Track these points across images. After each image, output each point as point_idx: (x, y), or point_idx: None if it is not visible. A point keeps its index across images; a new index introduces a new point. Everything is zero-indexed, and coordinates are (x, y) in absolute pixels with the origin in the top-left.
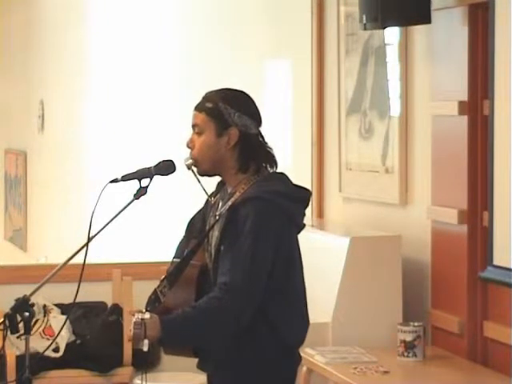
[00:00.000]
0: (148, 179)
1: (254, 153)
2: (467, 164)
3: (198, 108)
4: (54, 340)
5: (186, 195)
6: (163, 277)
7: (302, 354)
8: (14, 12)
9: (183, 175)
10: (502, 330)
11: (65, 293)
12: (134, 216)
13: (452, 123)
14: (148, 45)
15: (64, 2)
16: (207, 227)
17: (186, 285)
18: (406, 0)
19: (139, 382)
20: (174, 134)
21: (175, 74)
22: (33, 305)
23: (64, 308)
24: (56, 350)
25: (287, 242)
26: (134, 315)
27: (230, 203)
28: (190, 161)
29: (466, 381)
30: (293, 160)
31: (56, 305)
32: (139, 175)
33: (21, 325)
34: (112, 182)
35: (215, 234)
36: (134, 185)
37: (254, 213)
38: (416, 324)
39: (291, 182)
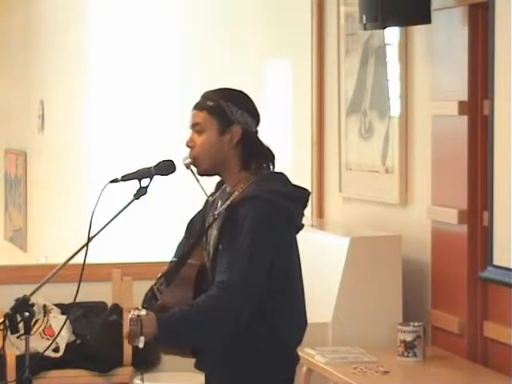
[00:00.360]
0: (148, 179)
1: (255, 151)
2: (467, 164)
3: (199, 107)
4: (54, 340)
5: (186, 195)
6: (160, 274)
7: (301, 354)
8: (14, 12)
9: (183, 175)
10: (502, 329)
11: (65, 293)
12: (134, 216)
13: (452, 123)
14: (148, 45)
15: (64, 2)
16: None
17: (184, 284)
18: (405, 0)
19: (139, 382)
20: (174, 133)
21: (175, 74)
22: (33, 305)
23: (64, 308)
24: (56, 350)
25: (286, 241)
26: (129, 312)
27: (228, 202)
28: (189, 160)
29: (466, 381)
30: (293, 160)
31: (56, 305)
32: (139, 175)
33: (21, 325)
34: (112, 182)
35: (214, 233)
36: (134, 185)
37: (252, 212)
38: (416, 324)
39: (290, 182)
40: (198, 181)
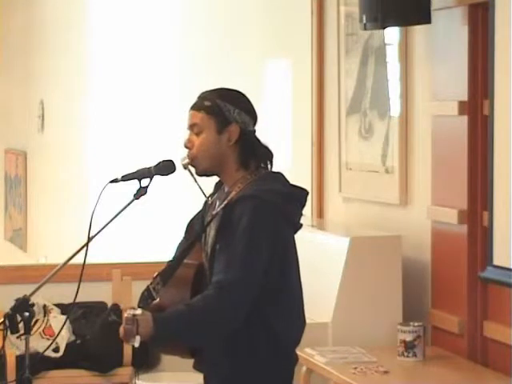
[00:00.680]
0: (148, 179)
1: (254, 150)
2: (467, 164)
3: (196, 107)
4: (54, 340)
5: (186, 195)
6: (156, 274)
7: (301, 354)
8: (14, 12)
9: (183, 175)
10: (502, 329)
11: (65, 293)
12: (134, 216)
13: (452, 123)
14: (148, 45)
15: (64, 2)
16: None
17: (182, 284)
18: (406, 0)
19: (139, 382)
20: (174, 133)
21: (175, 74)
22: (33, 305)
23: (64, 308)
24: (56, 350)
25: (283, 241)
26: (125, 311)
27: (226, 202)
28: (187, 160)
29: (466, 381)
30: (293, 160)
31: (56, 305)
32: (139, 175)
33: (21, 325)
34: (112, 182)
35: (211, 232)
36: (134, 185)
37: (249, 211)
38: (416, 324)
39: (288, 182)
40: (195, 181)
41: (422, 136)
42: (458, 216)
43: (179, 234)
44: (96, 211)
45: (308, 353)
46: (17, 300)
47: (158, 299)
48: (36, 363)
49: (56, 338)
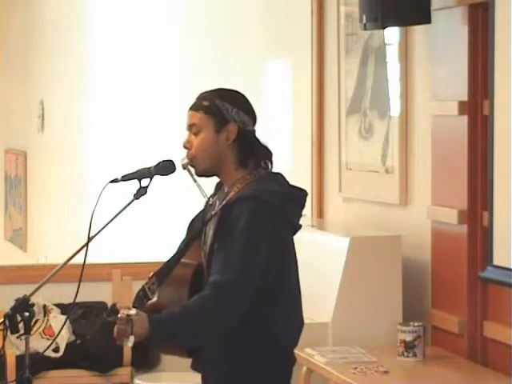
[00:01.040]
0: (148, 179)
1: (253, 149)
2: (467, 164)
3: (194, 108)
4: (54, 340)
5: (186, 195)
6: (152, 274)
7: (301, 354)
8: (14, 12)
9: (183, 175)
10: (502, 329)
11: (65, 293)
12: (134, 216)
13: (452, 123)
14: (148, 45)
15: (64, 2)
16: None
17: (180, 283)
18: (406, 0)
19: (139, 381)
20: (174, 134)
21: (175, 74)
22: (33, 305)
23: (64, 308)
24: (56, 350)
25: (281, 242)
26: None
27: (224, 202)
28: (186, 160)
29: (466, 381)
30: (293, 160)
31: (56, 305)
32: (139, 175)
33: (21, 325)
34: (112, 182)
35: (210, 232)
36: (134, 185)
37: (247, 212)
38: (416, 324)
39: (288, 182)
40: (195, 181)
41: (422, 136)
42: (458, 216)
43: (179, 234)
44: (96, 211)
45: (308, 353)
46: (17, 300)
47: (153, 299)
48: (36, 363)
49: (56, 337)
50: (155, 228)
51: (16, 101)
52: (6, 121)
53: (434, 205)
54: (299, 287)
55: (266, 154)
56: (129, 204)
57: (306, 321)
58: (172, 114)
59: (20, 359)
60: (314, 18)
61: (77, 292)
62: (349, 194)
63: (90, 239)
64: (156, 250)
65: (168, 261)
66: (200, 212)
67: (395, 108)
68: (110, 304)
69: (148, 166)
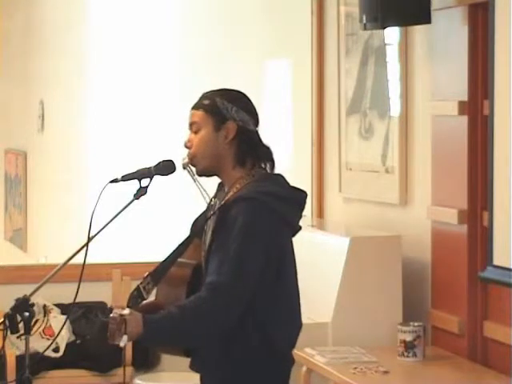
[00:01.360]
0: (148, 179)
1: (251, 148)
2: (467, 164)
3: (196, 106)
4: (54, 340)
5: (187, 195)
6: (147, 273)
7: (302, 354)
8: (14, 12)
9: (183, 175)
10: (502, 329)
11: (65, 293)
12: (134, 216)
13: (452, 123)
14: (148, 45)
15: (64, 2)
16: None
17: (178, 283)
18: (406, 0)
19: (139, 381)
20: (174, 133)
21: (175, 74)
22: (33, 305)
23: (64, 308)
24: (56, 350)
25: (279, 243)
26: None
27: (222, 203)
28: (186, 160)
29: (466, 381)
30: (293, 160)
31: (56, 305)
32: (139, 175)
33: (21, 325)
34: (112, 182)
35: (208, 233)
36: (134, 185)
37: (243, 213)
38: (416, 324)
39: (288, 184)
40: (194, 181)
41: (422, 136)
42: (458, 216)
43: (179, 234)
44: (96, 211)
45: (308, 353)
46: (17, 300)
47: (148, 299)
48: (36, 363)
49: (56, 337)
50: (155, 228)
51: (16, 101)
52: (5, 121)
53: (434, 205)
54: (297, 288)
55: (266, 154)
56: (129, 204)
57: (306, 321)
58: (172, 113)
59: (20, 359)
60: (314, 18)
61: (77, 292)
62: (349, 194)
63: (89, 239)
64: (156, 250)
65: (164, 260)
66: (203, 212)
67: (395, 108)
68: (109, 304)
69: (148, 166)
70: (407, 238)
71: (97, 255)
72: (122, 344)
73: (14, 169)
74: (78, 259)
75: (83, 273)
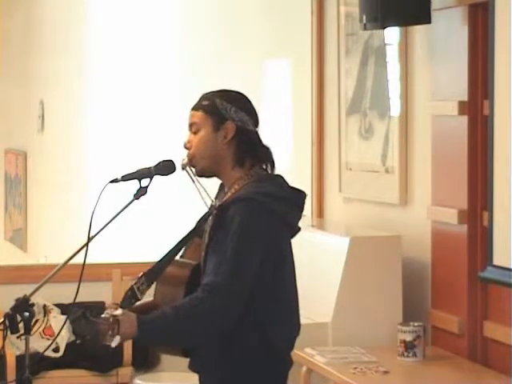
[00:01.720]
0: (148, 179)
1: (250, 148)
2: (467, 164)
3: (195, 107)
4: (54, 340)
5: (187, 195)
6: (141, 273)
7: (301, 354)
8: (14, 12)
9: (184, 175)
10: (502, 329)
11: (65, 293)
12: (134, 216)
13: (452, 123)
14: (148, 45)
15: (64, 2)
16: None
17: (177, 283)
18: (406, 0)
19: (139, 381)
20: (174, 134)
21: (175, 74)
22: (33, 305)
23: (64, 308)
24: (56, 350)
25: (276, 244)
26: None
27: (220, 203)
28: (185, 160)
29: (466, 381)
30: (293, 160)
31: (56, 305)
32: (139, 175)
33: (21, 325)
34: (112, 182)
35: (207, 233)
36: (134, 185)
37: (240, 214)
38: (416, 324)
39: (287, 185)
40: (193, 182)
41: (422, 136)
42: (458, 216)
43: (179, 234)
44: (96, 211)
45: (308, 353)
46: (17, 300)
47: (142, 299)
48: (36, 363)
49: (56, 337)
50: (155, 228)
51: (16, 101)
52: (5, 121)
53: (434, 205)
54: (296, 289)
55: (266, 154)
56: (129, 204)
57: (306, 321)
58: (172, 114)
59: (20, 359)
60: (314, 18)
61: (77, 292)
62: (349, 194)
63: (89, 239)
64: (156, 251)
65: (159, 261)
66: (205, 212)
67: (395, 108)
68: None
69: (148, 166)
70: (407, 238)
71: (97, 255)
72: (113, 345)
73: (14, 169)
74: (78, 259)
75: (83, 273)
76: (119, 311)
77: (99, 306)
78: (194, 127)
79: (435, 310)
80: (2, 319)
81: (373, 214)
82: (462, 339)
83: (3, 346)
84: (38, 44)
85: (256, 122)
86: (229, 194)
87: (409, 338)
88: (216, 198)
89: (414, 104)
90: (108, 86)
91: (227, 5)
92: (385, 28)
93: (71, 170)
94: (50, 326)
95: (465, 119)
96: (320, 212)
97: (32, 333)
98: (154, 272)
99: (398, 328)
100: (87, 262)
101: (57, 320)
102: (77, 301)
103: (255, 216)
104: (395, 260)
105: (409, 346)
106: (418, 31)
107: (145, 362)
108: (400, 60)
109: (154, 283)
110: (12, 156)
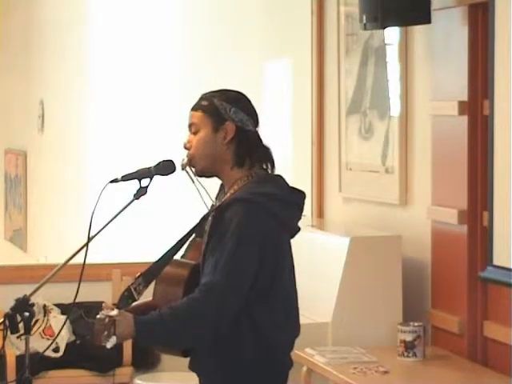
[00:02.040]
0: (148, 179)
1: (250, 149)
2: (467, 164)
3: (195, 108)
4: (54, 340)
5: (187, 195)
6: (138, 274)
7: (301, 354)
8: (14, 12)
9: (184, 175)
10: (502, 329)
11: (65, 293)
12: (134, 216)
13: (452, 123)
14: (148, 45)
15: (64, 2)
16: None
17: (176, 283)
18: (405, 0)
19: (139, 381)
20: (174, 134)
21: (175, 74)
22: (33, 305)
23: (64, 308)
24: (56, 350)
25: (275, 244)
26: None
27: (219, 204)
28: (185, 161)
29: (466, 381)
30: (293, 160)
31: (56, 305)
32: (139, 175)
33: (21, 325)
34: (112, 182)
35: (206, 234)
36: (134, 185)
37: (238, 214)
38: (416, 324)
39: (287, 185)
40: (193, 182)
41: (422, 136)
42: (458, 216)
43: (179, 234)
44: (96, 211)
45: (308, 353)
46: (17, 300)
47: (138, 300)
48: (36, 363)
49: (56, 337)
50: (155, 228)
51: (16, 101)
52: (5, 121)
53: (434, 205)
54: (295, 290)
55: (266, 155)
56: (129, 204)
57: (306, 321)
58: (172, 114)
59: (20, 359)
60: (314, 18)
61: (77, 292)
62: (349, 194)
63: (89, 239)
64: (156, 251)
65: (157, 261)
66: (206, 213)
67: (395, 108)
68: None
69: (148, 166)
70: (407, 238)
71: (97, 255)
72: (109, 346)
73: (14, 169)
74: (78, 259)
75: (83, 273)
76: (115, 312)
77: (99, 306)
78: (193, 127)
79: (435, 309)
80: (2, 319)
81: (373, 214)
82: (461, 339)
83: (3, 346)
84: (38, 44)
85: (256, 122)
86: (228, 194)
87: (409, 337)
88: (216, 198)
89: (413, 104)
90: (108, 85)
91: (227, 5)
92: (385, 28)
93: (71, 169)
94: (50, 325)
95: (465, 119)
96: (320, 212)
97: (32, 333)
98: (152, 272)
99: (398, 328)
100: (87, 262)
101: (57, 320)
102: (77, 301)
103: (253, 216)
104: (395, 260)
105: (409, 346)
106: (418, 31)
107: (145, 361)
108: (400, 60)
109: (152, 284)
110: (12, 156)
